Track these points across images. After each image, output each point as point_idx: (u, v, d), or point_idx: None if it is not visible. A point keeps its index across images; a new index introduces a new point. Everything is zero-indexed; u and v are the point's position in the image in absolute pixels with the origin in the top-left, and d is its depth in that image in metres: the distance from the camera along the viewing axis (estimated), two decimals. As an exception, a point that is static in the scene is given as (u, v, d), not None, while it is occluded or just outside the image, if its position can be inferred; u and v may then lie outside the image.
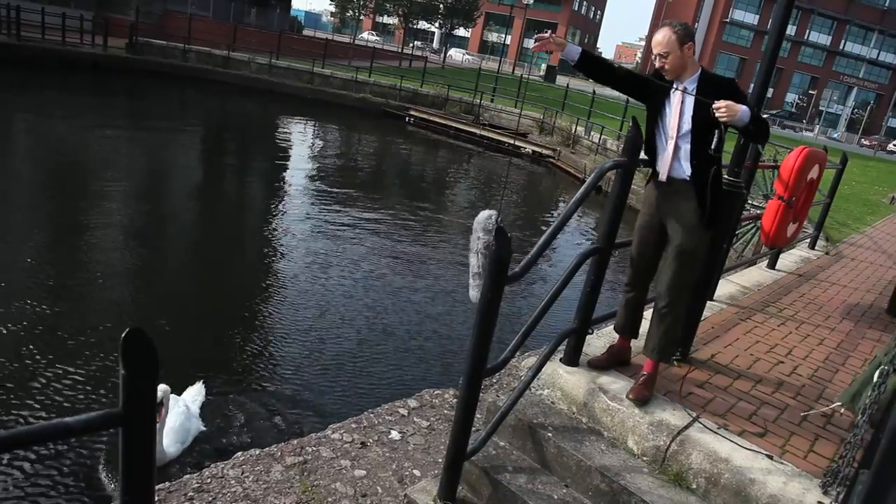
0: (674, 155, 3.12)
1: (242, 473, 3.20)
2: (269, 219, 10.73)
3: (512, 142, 21.50)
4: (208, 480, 3.13)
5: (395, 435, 3.66)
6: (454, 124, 23.42)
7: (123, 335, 1.44)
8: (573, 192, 16.61)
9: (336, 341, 6.27)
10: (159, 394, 4.08)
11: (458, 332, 6.93)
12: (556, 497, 2.90)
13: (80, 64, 23.68)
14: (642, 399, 3.13)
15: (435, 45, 72.63)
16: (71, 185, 11.24)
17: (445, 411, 3.98)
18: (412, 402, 4.03)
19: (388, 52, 42.16)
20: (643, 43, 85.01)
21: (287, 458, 3.34)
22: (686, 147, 3.08)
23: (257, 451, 3.39)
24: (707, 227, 3.11)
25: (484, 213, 2.76)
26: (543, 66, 50.34)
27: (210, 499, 3.01)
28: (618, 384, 3.22)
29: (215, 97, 24.21)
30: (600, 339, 3.67)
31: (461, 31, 62.46)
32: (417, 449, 3.58)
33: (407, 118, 24.46)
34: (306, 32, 54.71)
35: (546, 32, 3.13)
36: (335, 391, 5.28)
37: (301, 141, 19.57)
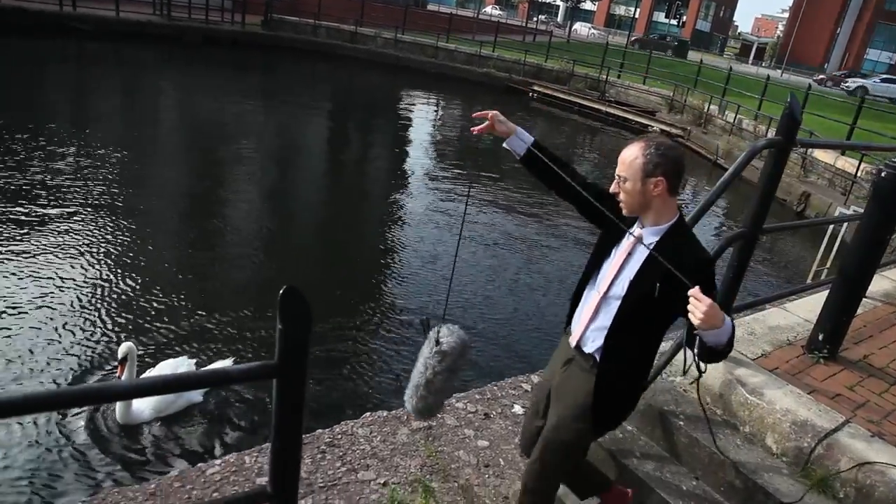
0: (592, 317, 2.27)
1: (371, 433, 3.33)
2: (390, 188, 11.01)
3: (638, 119, 20.74)
4: (339, 436, 3.28)
5: (517, 409, 3.68)
6: (578, 100, 22.88)
7: (281, 292, 1.50)
8: (704, 174, 15.86)
9: (462, 315, 6.38)
10: (123, 350, 4.27)
11: None
12: (684, 488, 2.80)
13: (221, 40, 25.15)
14: None
15: (559, 18, 71.04)
16: (209, 151, 12.04)
17: (568, 391, 3.94)
18: (535, 378, 4.03)
19: (512, 26, 41.72)
20: (786, 15, 78.70)
21: (413, 422, 3.44)
22: (608, 315, 2.22)
23: (385, 413, 3.51)
24: (594, 427, 2.30)
25: (450, 336, 2.26)
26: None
27: (341, 453, 3.16)
28: (757, 378, 3.05)
29: (343, 71, 25.00)
30: (738, 330, 3.48)
31: (587, 5, 60.63)
32: (540, 426, 3.58)
33: (530, 93, 24.16)
34: (431, 7, 55.15)
35: (482, 111, 2.40)
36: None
37: (423, 115, 19.87)
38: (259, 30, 27.01)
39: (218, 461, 3.07)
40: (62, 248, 6.63)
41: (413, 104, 21.38)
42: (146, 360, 4.95)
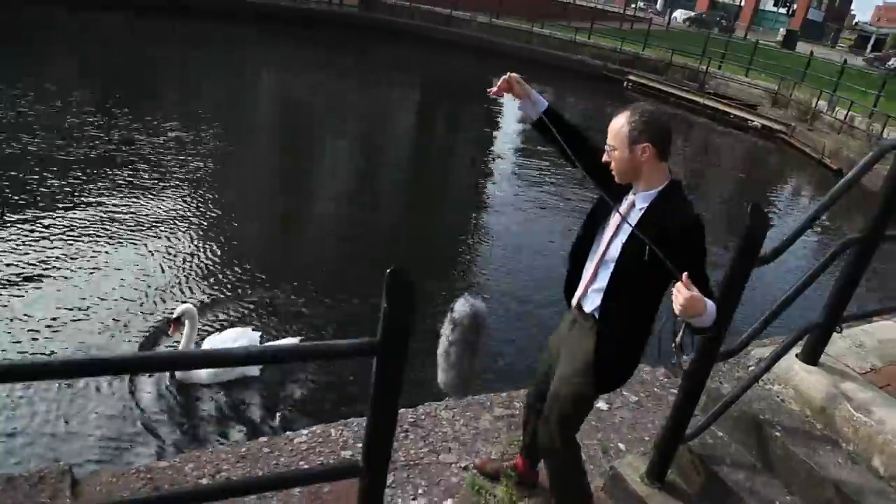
0: (591, 279, 2.37)
1: (454, 416, 3.36)
2: (476, 172, 11.00)
3: (738, 113, 19.82)
4: (422, 417, 3.33)
5: (601, 405, 3.62)
6: (675, 92, 22.08)
7: (388, 272, 1.52)
8: (807, 175, 15.00)
9: (547, 302, 6.33)
10: (181, 310, 4.41)
11: None
12: (777, 502, 2.68)
13: (317, 20, 25.74)
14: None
15: (658, 5, 68.53)
16: (300, 129, 12.38)
17: (655, 389, 3.84)
18: (620, 376, 3.94)
19: (609, 12, 40.64)
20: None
21: (496, 409, 3.45)
22: (604, 279, 2.31)
23: (469, 398, 3.53)
24: (595, 384, 2.38)
25: (463, 306, 2.42)
26: (782, 31, 45.30)
27: (423, 434, 3.21)
28: (865, 394, 2.87)
29: (435, 55, 25.08)
30: (844, 341, 3.28)
31: (689, -8, 58.21)
32: (624, 423, 3.51)
33: (625, 83, 23.50)
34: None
35: (507, 76, 2.44)
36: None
37: (511, 101, 19.69)
38: (356, 11, 27.46)
39: (305, 431, 3.17)
40: (154, 216, 7.03)
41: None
42: (216, 326, 5.17)
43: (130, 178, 7.91)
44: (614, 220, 2.32)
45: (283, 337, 5.17)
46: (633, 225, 2.21)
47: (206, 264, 6.20)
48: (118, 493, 2.73)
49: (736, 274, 2.37)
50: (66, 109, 10.21)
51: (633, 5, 54.04)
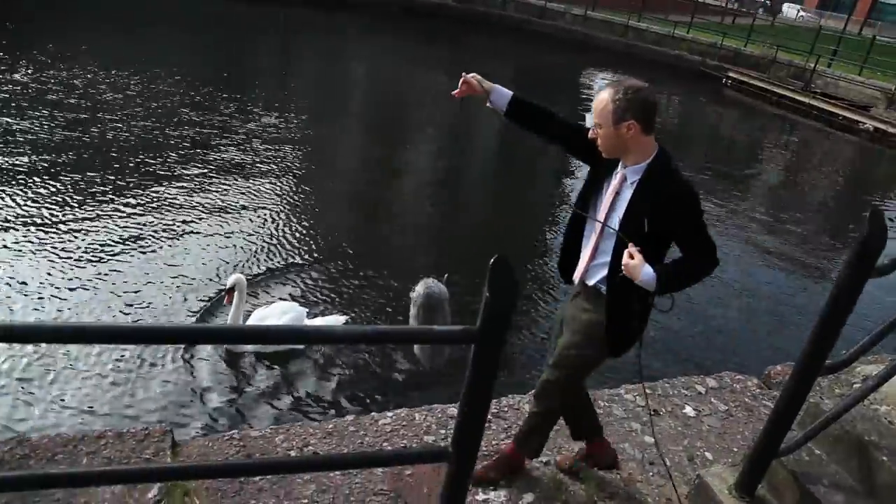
0: (592, 255, 2.45)
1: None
2: (564, 168, 10.82)
3: (847, 115, 18.63)
4: (505, 408, 3.34)
5: (689, 411, 3.51)
6: (778, 90, 20.96)
7: (491, 261, 1.53)
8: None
9: None
10: (232, 280, 4.64)
11: (775, 319, 6.37)
12: (879, 529, 2.53)
13: (416, 11, 25.99)
14: (480, 479, 2.79)
15: (766, -1, 65.14)
16: (391, 118, 12.56)
17: (746, 399, 3.70)
18: (711, 382, 3.82)
19: (711, 6, 38.96)
20: None
21: (579, 408, 3.40)
22: (607, 252, 2.38)
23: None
24: (612, 350, 2.51)
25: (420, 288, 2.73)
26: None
27: (506, 426, 3.22)
28: None
29: (527, 47, 24.84)
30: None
31: (800, -15, 54.93)
32: (712, 431, 3.40)
33: (724, 80, 22.51)
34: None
35: (468, 75, 2.51)
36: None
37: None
38: (452, 2, 27.56)
39: (390, 413, 3.24)
40: (239, 197, 7.32)
41: (595, 85, 20.80)
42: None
43: (221, 161, 8.25)
44: (608, 194, 2.37)
45: (330, 313, 5.28)
46: (609, 226, 2.36)
47: (284, 244, 6.42)
48: (212, 457, 2.88)
49: (848, 284, 2.24)
50: (169, 92, 10.80)
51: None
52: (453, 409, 3.26)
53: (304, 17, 22.46)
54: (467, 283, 5.60)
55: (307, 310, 5.09)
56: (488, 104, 2.54)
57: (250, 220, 6.82)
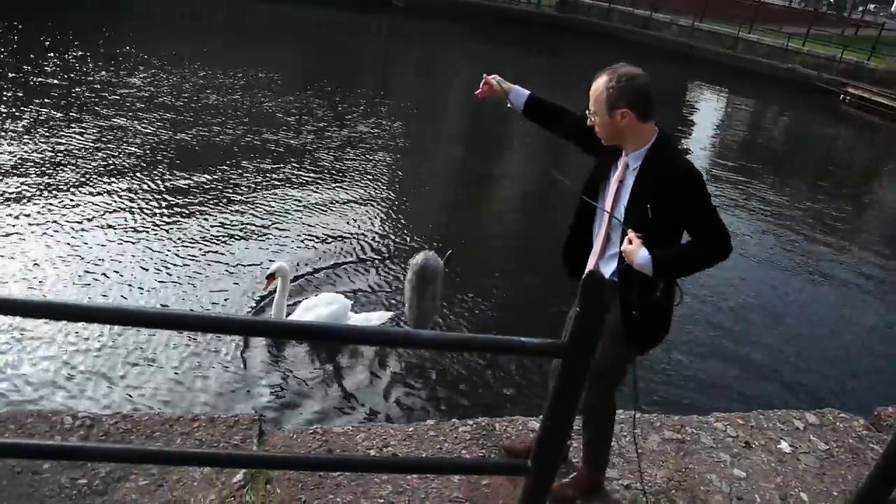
0: (603, 247, 2.39)
1: (620, 431, 3.23)
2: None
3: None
4: (587, 427, 3.25)
5: (784, 446, 3.31)
6: (904, 109, 19.50)
7: (584, 276, 1.51)
8: None
9: (736, 329, 6.00)
10: (275, 267, 4.80)
11: (887, 358, 5.96)
12: None
13: (514, 20, 26.06)
14: (557, 496, 2.68)
15: (894, 8, 60.82)
16: (486, 126, 12.58)
17: (851, 440, 3.44)
18: (811, 418, 3.58)
19: (830, 16, 36.86)
20: None
21: (665, 431, 3.28)
22: (616, 242, 2.31)
23: (637, 415, 3.39)
24: (634, 348, 2.36)
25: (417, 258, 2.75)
26: None
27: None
28: None
29: (630, 58, 23.90)
30: None
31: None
32: (809, 471, 3.18)
33: (842, 95, 21.16)
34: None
35: (489, 76, 2.61)
36: (725, 378, 5.07)
37: (706, 110, 18.57)
38: (553, 11, 27.42)
39: (471, 421, 3.23)
40: (333, 200, 7.52)
41: (698, 98, 20.10)
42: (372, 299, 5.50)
43: (314, 166, 8.49)
44: (612, 184, 2.33)
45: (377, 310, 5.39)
46: (613, 214, 2.31)
47: (366, 243, 6.60)
48: (296, 449, 2.97)
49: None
50: (269, 97, 11.31)
51: (861, 9, 48.52)
52: (535, 423, 3.22)
53: (404, 25, 22.98)
54: (549, 293, 5.54)
55: (352, 302, 5.24)
56: (508, 104, 2.63)
57: (335, 223, 7.00)
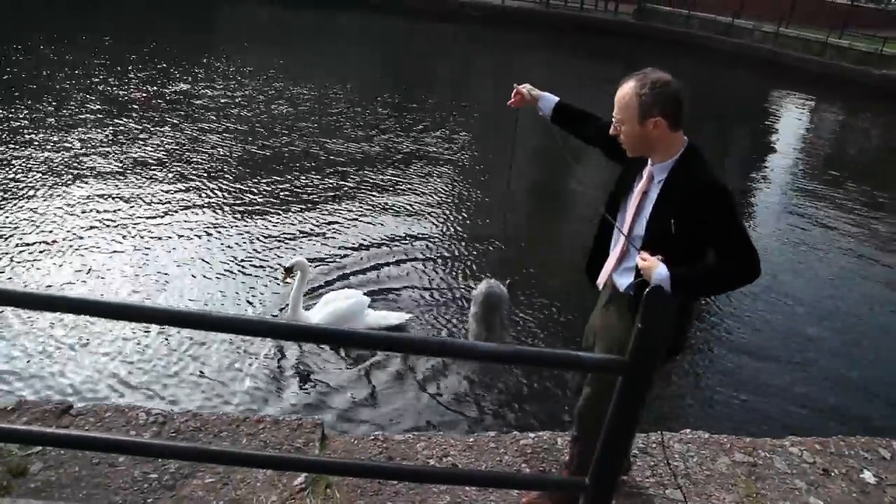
0: (620, 258, 2.33)
1: (687, 451, 3.13)
2: (740, 199, 10.06)
3: None
4: (653, 445, 3.15)
5: (868, 476, 3.10)
6: None
7: (647, 292, 1.46)
8: None
9: (816, 349, 5.70)
10: (293, 261, 4.93)
11: None
12: None
13: (591, 28, 25.75)
14: None
15: None
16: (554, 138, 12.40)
17: (944, 474, 3.19)
18: (899, 447, 3.35)
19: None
20: None
21: (736, 454, 3.14)
22: (635, 256, 2.19)
23: (706, 435, 3.27)
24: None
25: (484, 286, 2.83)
26: None
27: (652, 463, 3.03)
28: None
29: (709, 67, 23.52)
30: None
31: None
32: (896, 504, 2.97)
33: (942, 104, 19.82)
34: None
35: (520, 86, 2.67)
36: (800, 399, 4.81)
37: (792, 120, 17.70)
38: (629, 19, 26.96)
39: (532, 434, 3.19)
40: (391, 211, 7.59)
41: (784, 107, 19.22)
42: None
43: (376, 178, 8.56)
44: (636, 196, 2.24)
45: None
46: (632, 230, 2.27)
47: (434, 249, 6.71)
48: (356, 454, 3.00)
49: None
50: (339, 108, 11.59)
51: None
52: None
53: (478, 34, 23.07)
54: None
55: (370, 299, 5.33)
56: (540, 111, 2.66)
57: (392, 232, 7.07)
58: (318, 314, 5.04)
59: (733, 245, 2.10)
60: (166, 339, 4.71)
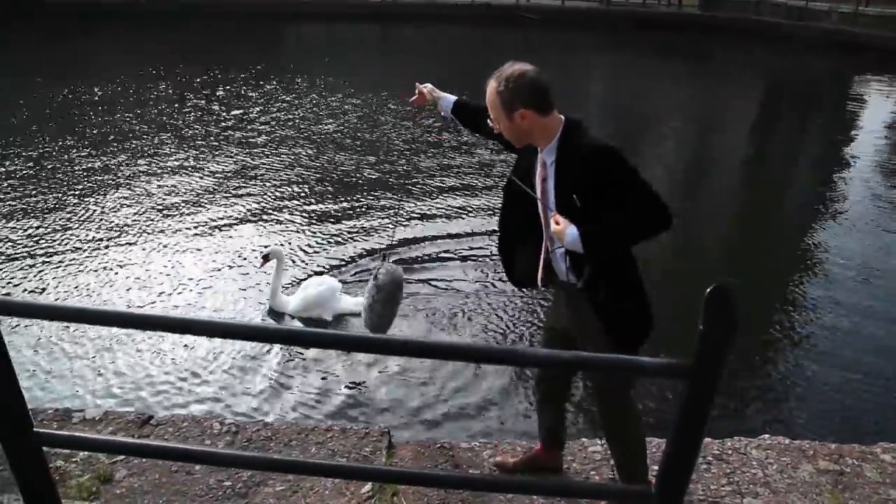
0: (550, 249, 2.33)
1: (766, 458, 2.98)
2: (819, 190, 9.56)
3: None
4: (729, 451, 3.03)
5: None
6: None
7: (708, 291, 1.39)
8: None
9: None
10: (269, 250, 5.19)
11: None
12: None
13: (655, 24, 25.17)
14: None
15: None
16: (627, 135, 12.16)
17: None
18: None
19: None
20: None
21: (820, 462, 2.97)
22: (560, 247, 2.24)
23: (787, 441, 3.11)
24: (621, 347, 2.22)
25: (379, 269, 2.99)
26: None
27: (728, 470, 2.91)
28: None
29: (782, 55, 22.53)
30: None
31: None
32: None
33: None
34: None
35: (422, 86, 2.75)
36: (892, 406, 4.49)
37: (877, 105, 16.68)
38: (695, 10, 26.21)
39: (601, 442, 3.12)
40: (439, 227, 7.47)
41: (867, 92, 18.16)
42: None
43: (420, 197, 8.40)
44: (538, 184, 2.27)
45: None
46: (540, 198, 2.29)
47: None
48: (423, 463, 3.01)
49: None
50: (386, 122, 11.75)
51: None
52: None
53: (540, 39, 22.91)
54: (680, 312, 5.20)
55: (341, 285, 5.46)
56: (440, 112, 2.72)
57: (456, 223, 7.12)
58: (294, 300, 5.29)
59: (636, 196, 2.13)
60: (236, 349, 4.85)
